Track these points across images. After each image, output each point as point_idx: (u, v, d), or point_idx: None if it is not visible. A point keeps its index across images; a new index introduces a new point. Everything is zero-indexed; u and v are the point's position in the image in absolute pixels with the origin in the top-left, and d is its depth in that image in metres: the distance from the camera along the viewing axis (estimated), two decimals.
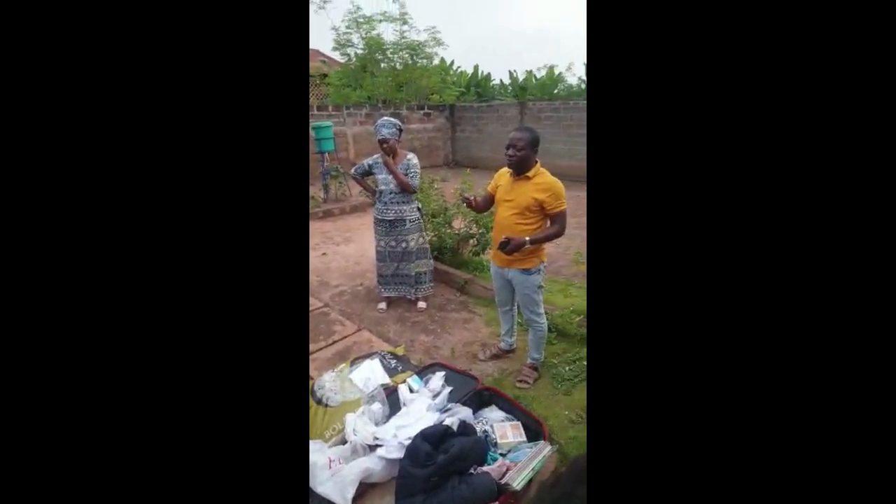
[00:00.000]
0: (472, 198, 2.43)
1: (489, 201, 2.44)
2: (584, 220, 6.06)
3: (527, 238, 2.15)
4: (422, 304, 3.45)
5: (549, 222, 2.23)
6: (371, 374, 2.45)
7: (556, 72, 13.71)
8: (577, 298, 3.27)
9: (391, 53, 10.97)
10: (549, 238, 2.23)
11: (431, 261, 3.51)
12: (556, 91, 13.13)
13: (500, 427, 1.99)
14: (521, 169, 2.20)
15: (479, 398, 2.23)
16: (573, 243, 4.94)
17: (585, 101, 9.39)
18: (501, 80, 15.40)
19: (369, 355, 2.67)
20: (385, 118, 3.12)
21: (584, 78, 12.71)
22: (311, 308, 3.45)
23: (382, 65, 11.14)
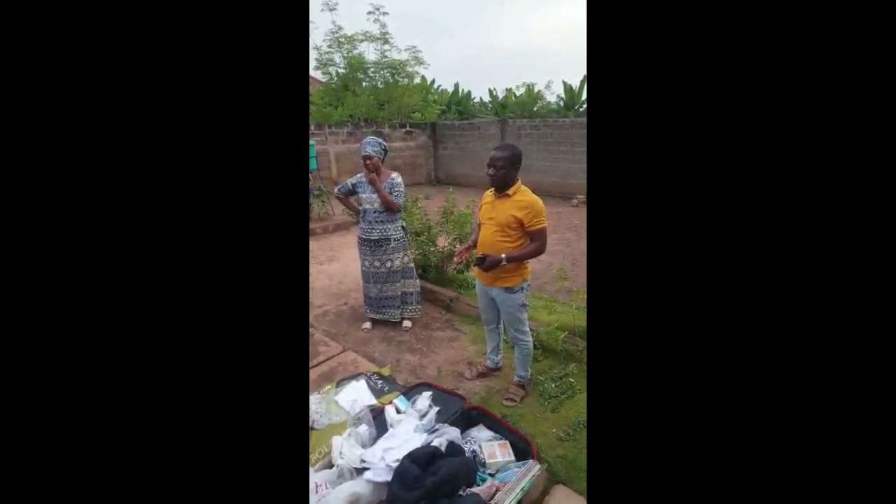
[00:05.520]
0: (463, 249, 2.61)
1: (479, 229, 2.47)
2: (567, 235, 6.17)
3: (503, 255, 2.19)
4: (407, 324, 3.44)
5: (529, 240, 2.26)
6: (357, 395, 2.43)
7: (536, 89, 13.98)
8: (562, 315, 3.29)
9: (373, 72, 11.05)
10: (527, 256, 2.26)
11: (418, 281, 3.50)
12: (535, 109, 13.33)
13: (489, 446, 1.98)
14: (502, 187, 2.24)
15: (467, 418, 2.22)
16: (555, 260, 5.01)
17: (564, 119, 9.59)
18: (481, 98, 15.62)
19: (355, 376, 2.64)
20: (371, 137, 3.14)
21: (563, 96, 12.97)
22: None
23: (364, 83, 11.20)
